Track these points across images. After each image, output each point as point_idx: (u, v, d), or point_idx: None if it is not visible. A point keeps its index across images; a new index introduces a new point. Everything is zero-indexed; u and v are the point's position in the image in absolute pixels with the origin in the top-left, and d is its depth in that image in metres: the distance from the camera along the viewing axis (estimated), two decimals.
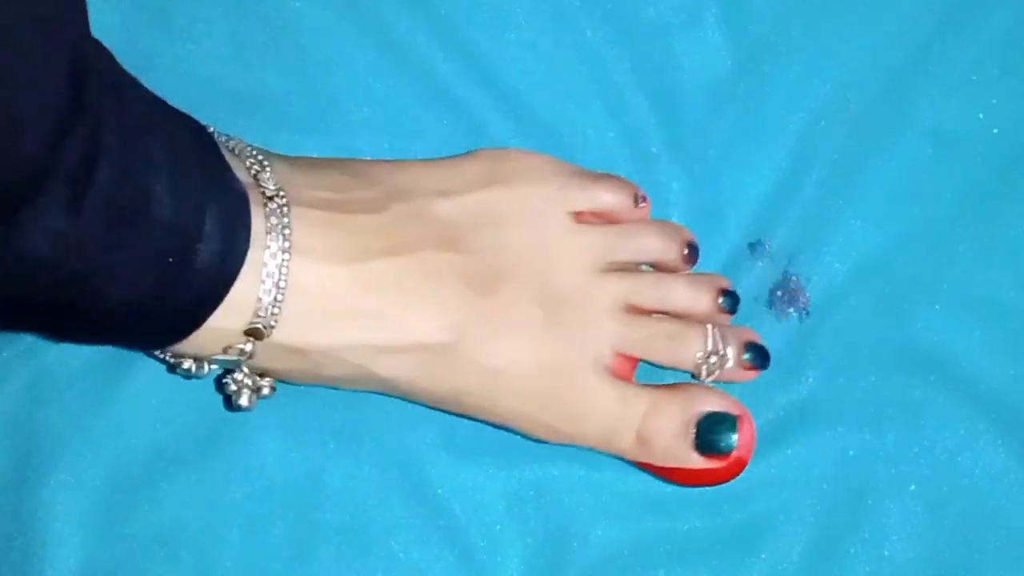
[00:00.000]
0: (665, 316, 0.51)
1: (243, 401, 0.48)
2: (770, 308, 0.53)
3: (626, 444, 0.49)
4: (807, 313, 0.53)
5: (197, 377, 0.48)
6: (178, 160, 0.43)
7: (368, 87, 0.54)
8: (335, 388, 0.50)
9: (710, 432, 0.48)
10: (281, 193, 0.46)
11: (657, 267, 0.52)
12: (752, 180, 0.54)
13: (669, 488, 0.51)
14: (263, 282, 0.44)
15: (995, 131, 0.54)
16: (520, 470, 0.52)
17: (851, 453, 0.52)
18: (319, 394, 0.51)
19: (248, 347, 0.46)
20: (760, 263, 0.54)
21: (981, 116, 0.54)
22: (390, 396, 0.51)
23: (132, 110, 0.42)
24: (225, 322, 0.45)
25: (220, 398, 0.52)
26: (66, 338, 0.48)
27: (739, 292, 0.52)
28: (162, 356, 0.48)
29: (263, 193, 0.45)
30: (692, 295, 0.51)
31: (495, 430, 0.51)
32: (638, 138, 0.54)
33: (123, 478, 0.52)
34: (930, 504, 0.52)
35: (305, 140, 0.54)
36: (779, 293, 0.53)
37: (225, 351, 0.46)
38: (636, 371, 0.51)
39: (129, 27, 0.53)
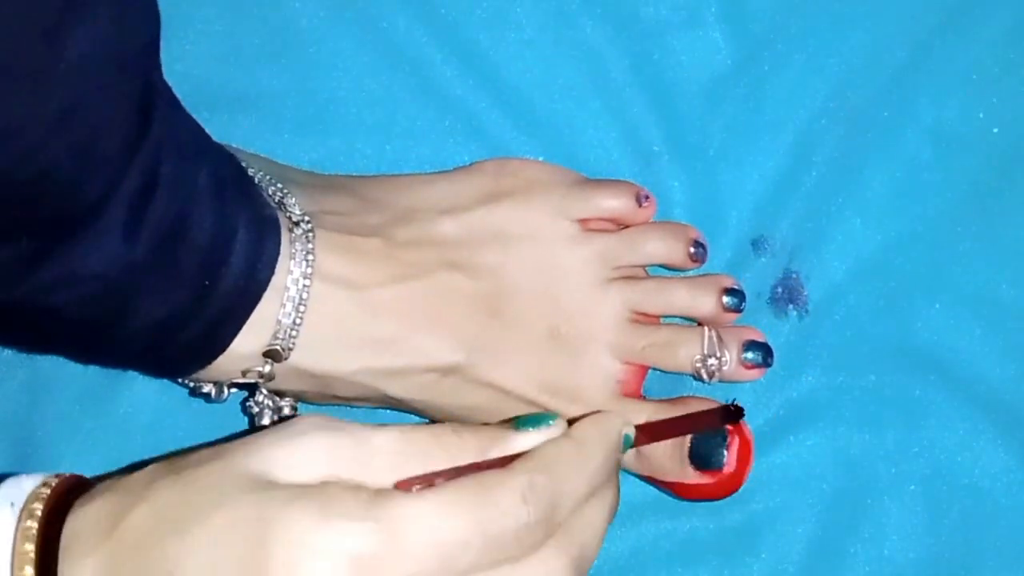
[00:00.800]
0: (669, 323, 0.52)
1: (265, 422, 0.49)
2: (770, 305, 0.53)
3: (626, 458, 0.49)
4: (806, 311, 0.53)
5: (217, 401, 0.48)
6: (219, 186, 0.44)
7: (367, 87, 0.54)
8: (349, 406, 0.51)
9: (702, 447, 0.48)
10: (306, 219, 0.47)
11: (667, 268, 0.52)
12: (752, 178, 0.54)
13: None
14: (284, 305, 0.45)
15: (995, 130, 0.54)
16: None
17: (851, 453, 0.52)
18: None
19: (267, 369, 0.46)
20: (763, 259, 0.53)
21: (981, 115, 0.54)
22: (404, 412, 0.51)
23: (183, 135, 0.44)
24: (245, 344, 0.45)
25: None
26: (91, 357, 0.48)
27: (744, 290, 0.52)
28: (181, 380, 0.48)
29: (290, 218, 0.46)
30: (694, 297, 0.51)
31: None
32: (638, 137, 0.54)
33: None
34: (930, 504, 0.52)
35: (303, 140, 0.54)
36: (779, 290, 0.53)
37: (244, 374, 0.47)
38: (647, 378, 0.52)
39: None
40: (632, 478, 0.51)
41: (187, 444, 0.52)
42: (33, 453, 0.52)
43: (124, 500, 0.34)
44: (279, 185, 0.48)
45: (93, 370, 0.52)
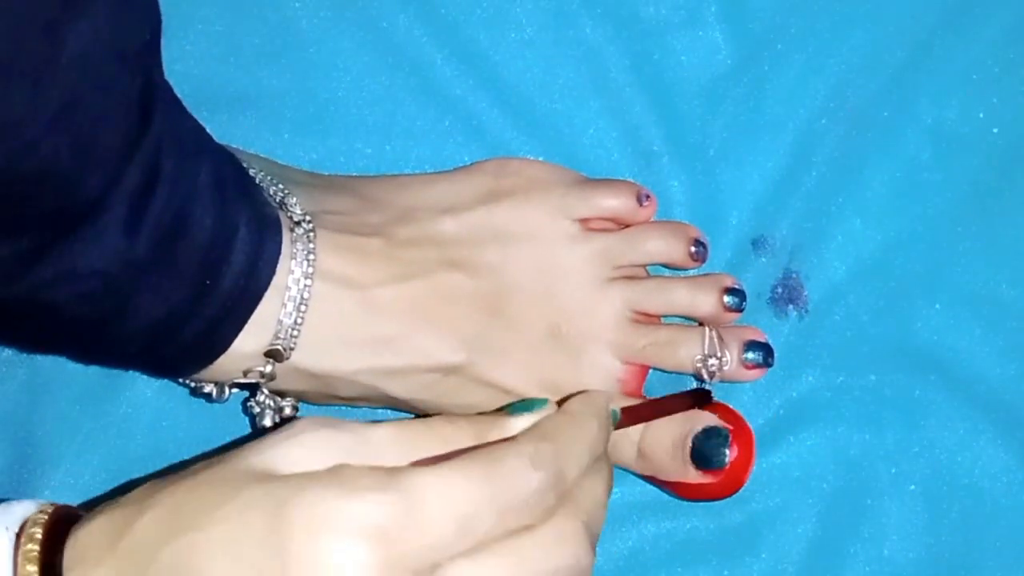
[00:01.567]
0: (670, 323, 0.52)
1: (267, 422, 0.49)
2: (770, 305, 0.53)
3: (628, 458, 0.50)
4: (806, 311, 0.53)
5: (218, 401, 0.48)
6: (219, 185, 0.44)
7: (367, 87, 0.54)
8: (350, 407, 0.51)
9: (704, 447, 0.48)
10: (307, 219, 0.47)
11: (668, 267, 0.52)
12: (752, 178, 0.54)
13: None
14: (285, 305, 0.45)
15: (995, 130, 0.54)
16: None
17: (851, 453, 0.52)
18: None
19: (268, 369, 0.46)
20: (763, 259, 0.53)
21: (981, 115, 0.54)
22: (402, 412, 0.51)
23: (184, 133, 0.44)
24: (246, 344, 0.45)
25: None
26: (91, 357, 0.48)
27: (745, 289, 0.52)
28: (182, 380, 0.48)
29: (291, 218, 0.46)
30: (695, 296, 0.51)
31: None
32: (638, 136, 0.54)
33: (123, 479, 0.52)
34: (930, 504, 0.52)
35: (303, 140, 0.54)
36: (779, 290, 0.53)
37: (245, 374, 0.47)
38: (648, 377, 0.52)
39: None
40: (632, 478, 0.51)
41: (187, 444, 0.52)
42: (33, 453, 0.52)
43: (126, 512, 0.34)
44: (280, 185, 0.48)
45: (93, 370, 0.52)
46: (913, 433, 0.52)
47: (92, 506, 0.36)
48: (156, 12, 0.41)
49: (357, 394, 0.49)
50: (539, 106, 0.54)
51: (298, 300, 0.45)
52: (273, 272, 0.45)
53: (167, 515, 0.33)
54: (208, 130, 0.46)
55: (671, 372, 0.51)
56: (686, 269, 0.52)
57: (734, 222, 0.54)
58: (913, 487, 0.52)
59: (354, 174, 0.53)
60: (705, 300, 0.51)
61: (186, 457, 0.52)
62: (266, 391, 0.48)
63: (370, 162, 0.54)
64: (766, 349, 0.51)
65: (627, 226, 0.52)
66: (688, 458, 0.48)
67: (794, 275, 0.53)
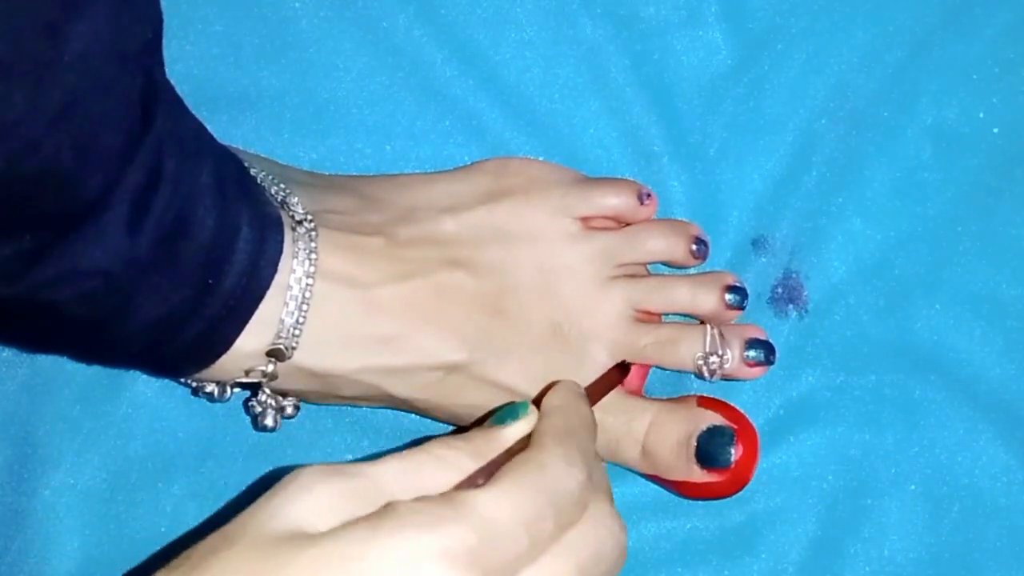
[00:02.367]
0: (671, 321, 0.52)
1: (268, 422, 0.49)
2: (770, 305, 0.53)
3: (632, 457, 0.50)
4: (806, 311, 0.53)
5: (220, 401, 0.48)
6: (221, 184, 0.44)
7: (367, 87, 0.54)
8: (351, 406, 0.50)
9: (709, 445, 0.48)
10: (309, 218, 0.47)
11: (668, 265, 0.52)
12: (752, 178, 0.54)
13: None
14: (286, 304, 0.45)
15: (995, 130, 0.54)
16: None
17: (851, 453, 0.52)
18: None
19: (270, 368, 0.46)
20: (763, 259, 0.53)
21: (982, 115, 0.54)
22: (404, 412, 0.51)
23: (185, 133, 0.44)
24: (248, 343, 0.45)
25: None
26: (93, 356, 0.48)
27: (746, 287, 0.52)
28: (183, 380, 0.48)
29: (292, 217, 0.47)
30: (696, 294, 0.51)
31: None
32: (638, 136, 0.54)
33: (123, 479, 0.52)
34: (930, 504, 0.52)
35: (303, 140, 0.54)
36: (779, 290, 0.53)
37: (247, 374, 0.47)
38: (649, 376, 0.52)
39: None
40: (631, 478, 0.51)
41: (187, 444, 0.52)
42: (33, 453, 0.52)
43: None
44: (281, 184, 0.48)
45: (93, 370, 0.52)
46: (913, 433, 0.52)
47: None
48: (157, 12, 0.41)
49: (358, 393, 0.49)
50: (539, 106, 0.54)
51: (300, 299, 0.45)
52: (275, 271, 0.45)
53: None
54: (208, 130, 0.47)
55: (672, 370, 0.51)
56: (687, 267, 0.52)
57: (734, 222, 0.54)
58: (913, 487, 0.52)
59: (354, 174, 0.53)
60: (707, 298, 0.51)
61: (186, 457, 0.52)
62: (267, 391, 0.48)
63: (370, 162, 0.54)
64: (767, 347, 0.51)
65: (628, 225, 0.52)
66: (693, 457, 0.48)
67: (794, 275, 0.53)
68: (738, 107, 0.54)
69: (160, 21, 0.41)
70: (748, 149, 0.54)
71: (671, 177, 0.54)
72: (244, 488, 0.52)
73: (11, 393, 0.52)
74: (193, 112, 0.46)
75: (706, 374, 0.50)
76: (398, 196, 0.50)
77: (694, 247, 0.51)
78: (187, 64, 0.53)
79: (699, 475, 0.49)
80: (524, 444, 0.37)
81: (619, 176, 0.54)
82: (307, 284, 0.46)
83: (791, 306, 0.53)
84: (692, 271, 0.53)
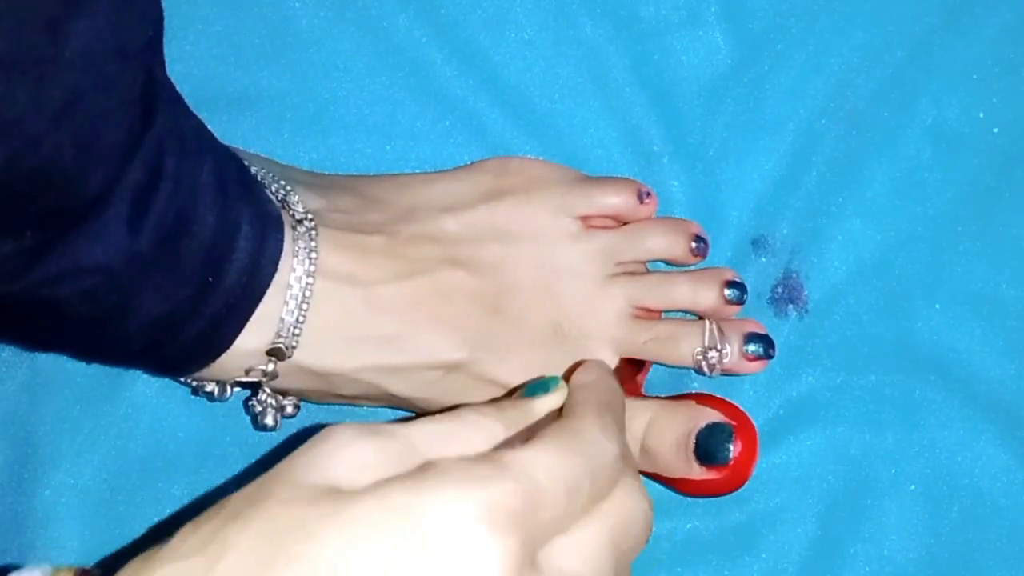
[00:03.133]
0: (670, 318, 0.52)
1: (268, 421, 0.49)
2: (770, 305, 0.53)
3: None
4: (806, 311, 0.53)
5: (220, 400, 0.48)
6: (222, 182, 0.44)
7: (367, 87, 0.54)
8: (351, 406, 0.50)
9: (708, 442, 0.48)
10: (309, 216, 0.47)
11: (668, 263, 0.52)
12: (752, 178, 0.54)
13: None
14: (287, 303, 0.45)
15: (995, 130, 0.54)
16: None
17: (851, 453, 0.52)
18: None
19: (270, 367, 0.46)
20: (763, 259, 0.53)
21: (981, 115, 0.54)
22: (404, 411, 0.51)
23: (186, 131, 0.44)
24: (248, 342, 0.45)
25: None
26: (93, 355, 0.48)
27: (745, 283, 0.52)
28: (184, 379, 0.48)
29: (292, 216, 0.47)
30: (696, 291, 0.51)
31: None
32: (638, 136, 0.54)
33: (123, 479, 0.52)
34: (930, 504, 0.52)
35: (303, 140, 0.54)
36: (779, 290, 0.53)
37: (247, 372, 0.47)
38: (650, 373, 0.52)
39: None
40: None
41: (187, 444, 0.52)
42: (33, 453, 0.52)
43: (192, 567, 0.30)
44: (282, 183, 0.48)
45: (93, 370, 0.52)
46: (913, 433, 0.52)
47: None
48: (158, 9, 0.41)
49: (359, 392, 0.49)
50: (539, 106, 0.54)
51: (300, 298, 0.45)
52: (275, 270, 0.45)
53: (253, 550, 0.30)
54: None
55: (672, 367, 0.51)
56: (686, 265, 0.52)
57: (734, 222, 0.54)
58: (913, 487, 0.52)
59: (355, 174, 0.53)
60: (706, 294, 0.51)
61: (186, 457, 0.52)
62: (268, 390, 0.48)
63: (370, 162, 0.54)
64: (767, 341, 0.51)
65: (628, 223, 0.52)
66: (692, 454, 0.48)
67: (794, 275, 0.53)
68: (738, 107, 0.54)
69: (161, 19, 0.41)
70: (748, 149, 0.54)
71: (671, 177, 0.54)
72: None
73: (11, 393, 0.52)
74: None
75: (706, 369, 0.50)
76: (398, 195, 0.51)
77: (694, 245, 0.52)
78: (187, 64, 0.53)
79: (698, 472, 0.49)
80: (551, 420, 0.37)
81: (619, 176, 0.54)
82: (307, 283, 0.46)
83: (791, 306, 0.53)
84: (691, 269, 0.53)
